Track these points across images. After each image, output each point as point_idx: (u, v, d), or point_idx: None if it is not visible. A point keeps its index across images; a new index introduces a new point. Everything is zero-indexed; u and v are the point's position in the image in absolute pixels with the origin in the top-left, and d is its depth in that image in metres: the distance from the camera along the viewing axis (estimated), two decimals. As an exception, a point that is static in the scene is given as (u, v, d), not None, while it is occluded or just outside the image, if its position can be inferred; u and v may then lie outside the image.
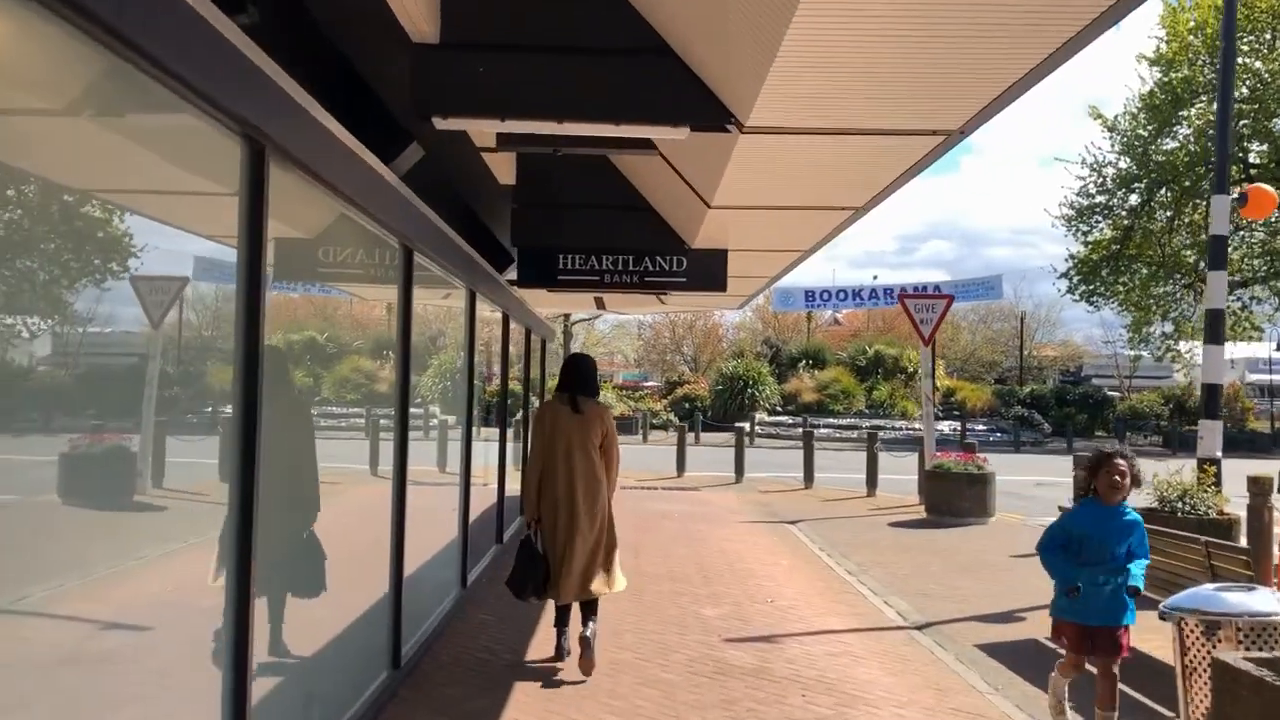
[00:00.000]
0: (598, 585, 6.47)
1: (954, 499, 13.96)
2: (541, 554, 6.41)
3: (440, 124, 6.03)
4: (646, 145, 8.18)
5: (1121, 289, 41.38)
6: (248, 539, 3.24)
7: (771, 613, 8.41)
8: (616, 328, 65.23)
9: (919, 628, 8.09)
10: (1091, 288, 41.42)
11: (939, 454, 15.27)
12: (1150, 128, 38.57)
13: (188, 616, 3.39)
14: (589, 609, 6.54)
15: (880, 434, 39.06)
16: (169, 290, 3.09)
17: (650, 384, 58.22)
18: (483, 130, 7.18)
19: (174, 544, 3.30)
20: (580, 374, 6.75)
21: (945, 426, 38.30)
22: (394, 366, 6.19)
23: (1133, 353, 54.15)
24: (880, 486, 17.57)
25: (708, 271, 10.70)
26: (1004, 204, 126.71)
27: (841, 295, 39.63)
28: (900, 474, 19.08)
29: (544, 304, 17.47)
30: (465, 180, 9.46)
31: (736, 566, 10.53)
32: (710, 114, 5.88)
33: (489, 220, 10.99)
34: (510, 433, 12.45)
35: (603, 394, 38.38)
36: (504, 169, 9.46)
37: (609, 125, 5.99)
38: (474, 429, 8.83)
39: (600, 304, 17.85)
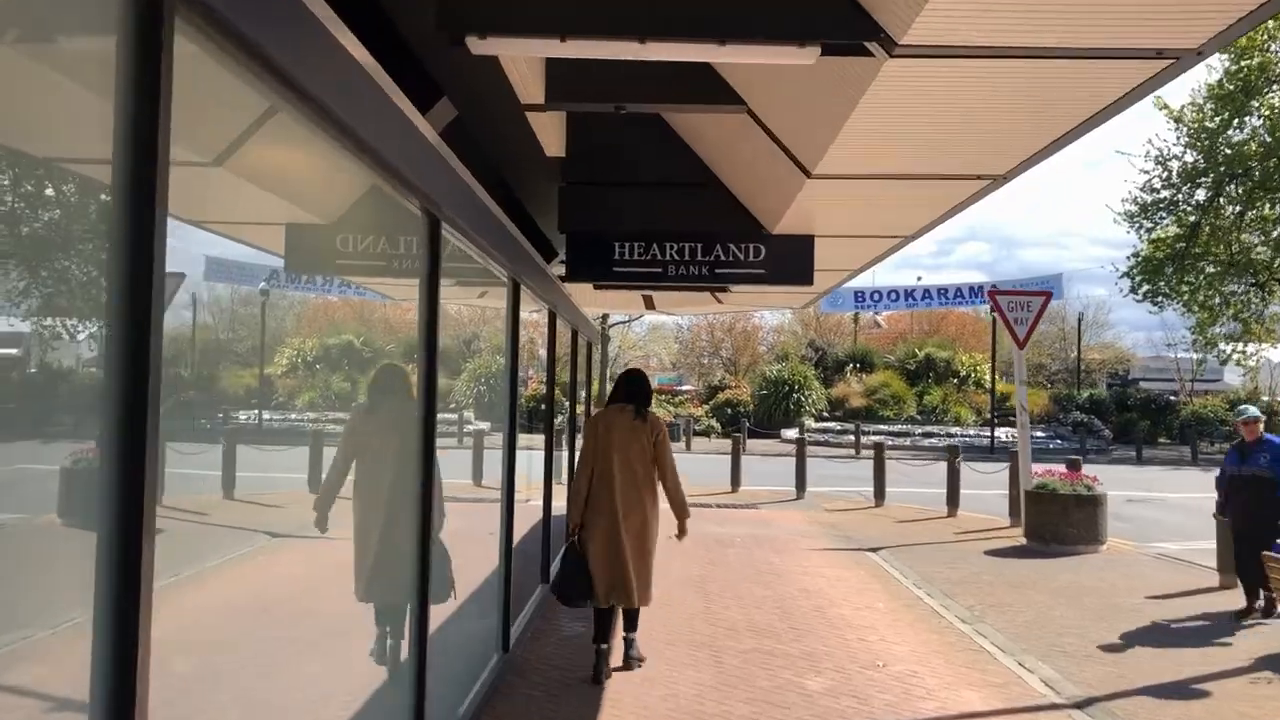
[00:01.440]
0: (638, 595, 6.61)
1: (1060, 524, 12.18)
2: (584, 559, 6.56)
3: (477, 47, 4.44)
4: (732, 100, 6.57)
5: (1186, 288, 39.29)
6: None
7: (888, 682, 6.72)
8: (654, 330, 63.68)
9: (1079, 705, 6.38)
10: (1155, 287, 39.39)
11: (1035, 468, 13.51)
12: (1219, 118, 36.52)
13: None
14: (630, 615, 6.83)
15: (931, 439, 37.52)
16: (166, 288, 2.30)
17: (687, 387, 56.62)
18: (532, 58, 5.61)
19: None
20: (635, 386, 6.91)
21: (1002, 434, 36.36)
22: (419, 368, 4.59)
23: (1196, 356, 51.99)
24: (946, 499, 15.79)
25: (790, 262, 9.03)
26: (1042, 206, 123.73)
27: (893, 296, 37.77)
28: (972, 488, 17.25)
29: (587, 303, 15.90)
30: (505, 149, 7.85)
31: (828, 612, 8.85)
32: (850, 28, 4.23)
33: (531, 203, 9.37)
34: (555, 443, 10.83)
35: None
36: (552, 136, 7.83)
37: (710, 45, 4.37)
38: (516, 440, 7.20)
39: (649, 303, 16.21)
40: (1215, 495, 9.58)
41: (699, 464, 23.67)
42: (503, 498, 6.71)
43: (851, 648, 7.63)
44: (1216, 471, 9.74)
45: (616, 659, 6.89)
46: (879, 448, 17.35)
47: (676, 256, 9.02)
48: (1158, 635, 8.34)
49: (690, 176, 8.80)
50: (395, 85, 3.46)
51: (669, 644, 7.59)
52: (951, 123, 5.43)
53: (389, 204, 4.05)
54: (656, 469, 6.63)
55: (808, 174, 6.63)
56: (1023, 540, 12.96)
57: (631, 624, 6.86)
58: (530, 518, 9.21)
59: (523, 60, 5.61)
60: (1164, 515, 17.31)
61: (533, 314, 9.48)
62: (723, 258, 9.02)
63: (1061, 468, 13.03)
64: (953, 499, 15.84)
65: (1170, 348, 51.46)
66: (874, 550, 12.38)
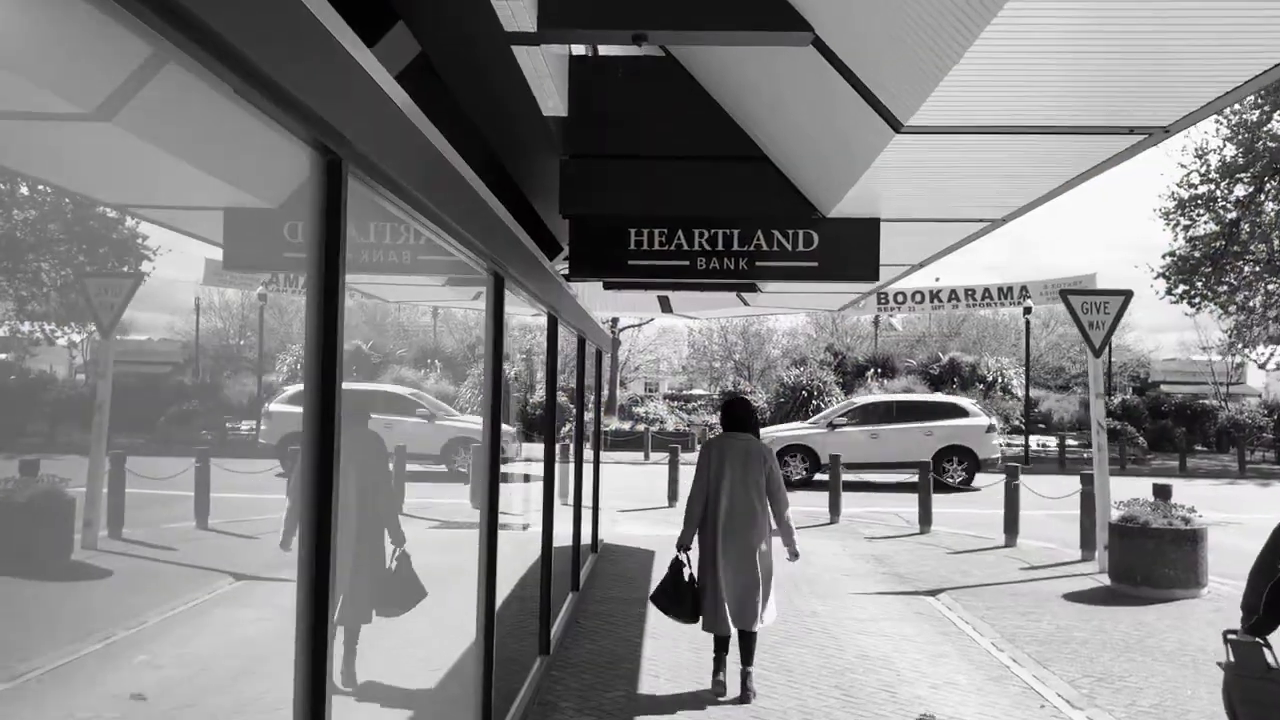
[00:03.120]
0: (753, 619, 6.71)
1: (1153, 564, 10.33)
2: (689, 581, 6.83)
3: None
4: (793, 24, 4.81)
5: (1225, 289, 37.42)
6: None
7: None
8: (664, 333, 62.03)
9: None
10: (1192, 288, 37.46)
11: (1108, 496, 11.67)
12: (1259, 111, 34.75)
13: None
14: (747, 644, 6.83)
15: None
16: (120, 290, 2.21)
17: (697, 392, 54.75)
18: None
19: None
20: (743, 415, 6.97)
21: (1035, 443, 34.47)
22: (305, 375, 2.88)
23: (1234, 359, 50.02)
24: (998, 524, 13.93)
25: (849, 252, 7.23)
26: (1058, 208, 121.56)
27: (917, 297, 35.87)
28: (1024, 508, 15.36)
29: (593, 305, 14.11)
30: (487, 102, 6.07)
31: (899, 693, 7.02)
32: None
33: (527, 181, 7.58)
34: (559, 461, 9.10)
35: (652, 405, 34.82)
36: (549, 87, 6.02)
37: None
38: (498, 468, 5.43)
39: (665, 305, 14.42)
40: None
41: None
42: (482, 531, 4.97)
43: (944, 756, 5.81)
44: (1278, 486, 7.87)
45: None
46: (924, 467, 15.48)
47: (706, 246, 7.23)
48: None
49: (724, 145, 7.03)
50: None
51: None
52: (1128, 39, 3.64)
53: (265, 140, 2.34)
54: (768, 494, 6.77)
55: (897, 127, 4.84)
56: (1105, 580, 11.11)
57: (748, 656, 6.85)
58: (520, 551, 7.48)
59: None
60: (1246, 543, 15.40)
61: (534, 317, 7.74)
62: (764, 247, 7.23)
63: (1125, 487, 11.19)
64: (1011, 525, 13.97)
65: (1205, 351, 49.51)
66: (933, 594, 10.55)
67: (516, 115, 6.41)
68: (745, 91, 6.62)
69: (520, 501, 7.52)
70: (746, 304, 13.30)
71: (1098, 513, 12.01)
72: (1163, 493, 11.26)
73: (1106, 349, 47.41)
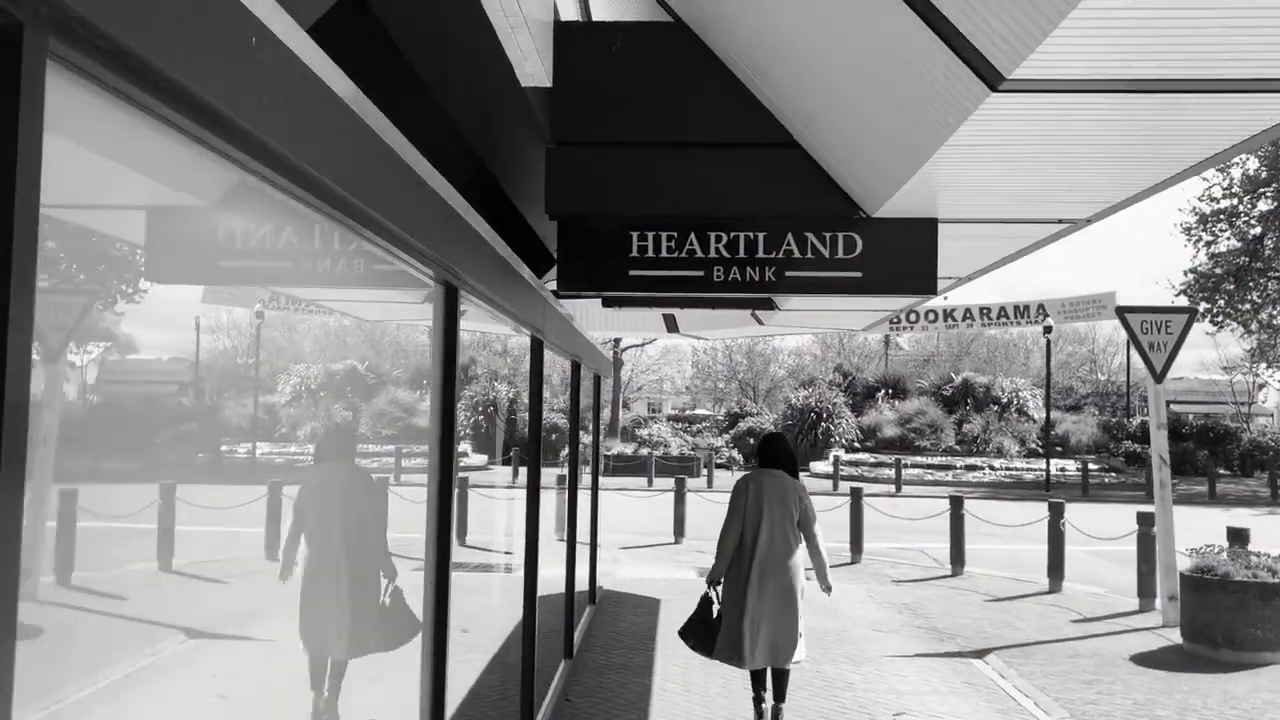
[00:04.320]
0: (784, 656, 6.60)
1: (1236, 621, 8.94)
2: (717, 616, 6.73)
3: None
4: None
5: (1249, 307, 36.13)
6: None
7: None
8: (667, 352, 60.81)
9: None
10: (1214, 305, 36.11)
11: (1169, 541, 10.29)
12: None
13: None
14: (781, 681, 6.79)
15: (976, 473, 34.17)
16: (72, 310, 2.08)
17: (701, 412, 53.39)
18: None
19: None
20: (781, 451, 6.89)
21: (1055, 467, 33.07)
22: None
23: (1259, 379, 48.64)
24: (1036, 563, 12.54)
25: (900, 259, 5.92)
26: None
27: (930, 316, 34.53)
28: (1035, 539, 13.90)
29: (591, 324, 12.81)
30: (444, 59, 4.76)
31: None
32: None
33: (507, 173, 6.27)
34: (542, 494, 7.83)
35: (656, 427, 33.54)
36: (528, 47, 4.71)
37: None
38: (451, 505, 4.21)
39: (672, 324, 13.09)
40: None
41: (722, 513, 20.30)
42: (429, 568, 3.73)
43: None
44: None
45: None
46: (957, 502, 14.08)
47: (724, 253, 5.91)
48: None
49: (746, 130, 5.73)
50: None
51: None
52: None
53: None
54: (802, 531, 6.71)
55: (994, 82, 3.52)
56: (1175, 638, 9.73)
57: (780, 693, 6.81)
58: (498, 605, 6.16)
59: None
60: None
61: (516, 335, 6.41)
62: (795, 254, 5.91)
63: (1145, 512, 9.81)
64: (1056, 568, 12.56)
65: (1227, 370, 48.14)
66: (980, 655, 9.17)
67: (489, 84, 5.10)
68: (775, 61, 5.33)
69: (501, 543, 6.38)
70: (761, 323, 11.99)
71: (1159, 557, 10.65)
72: (1239, 537, 9.90)
73: (1127, 370, 45.52)
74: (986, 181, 5.07)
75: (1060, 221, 5.81)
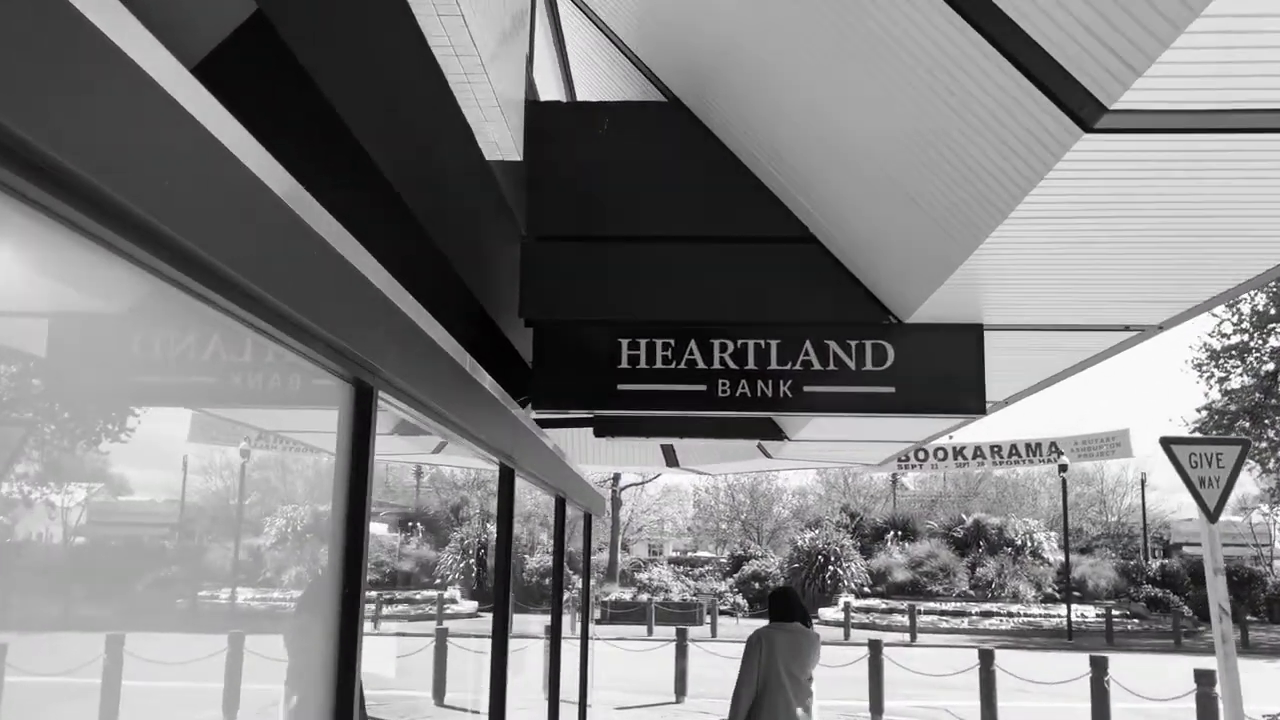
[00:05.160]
0: None
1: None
2: None
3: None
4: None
5: (1266, 445, 35.14)
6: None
7: None
8: (668, 492, 59.49)
9: None
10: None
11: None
12: (1288, 258, 33.13)
13: None
14: None
15: (992, 620, 32.49)
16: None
17: (703, 554, 51.70)
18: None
19: None
20: (793, 604, 6.55)
21: (1074, 613, 31.43)
22: None
23: (1278, 520, 47.15)
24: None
25: (940, 373, 4.97)
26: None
27: (940, 454, 33.49)
28: (1072, 696, 12.51)
29: (584, 457, 11.83)
30: (383, 122, 3.92)
31: None
32: None
33: (476, 274, 5.40)
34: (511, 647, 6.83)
35: (657, 570, 32.10)
36: (492, 112, 3.89)
37: None
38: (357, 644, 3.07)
39: (670, 457, 12.08)
40: None
41: (726, 668, 18.74)
42: None
43: None
44: None
45: None
46: (986, 656, 12.76)
47: (731, 363, 4.99)
48: None
49: (755, 222, 4.89)
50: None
51: None
52: None
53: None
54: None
55: (1089, 121, 2.66)
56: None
57: None
58: None
59: None
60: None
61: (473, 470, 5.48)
62: (815, 365, 4.98)
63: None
64: (1102, 738, 11.22)
65: (1245, 510, 46.70)
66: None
67: (441, 149, 4.27)
68: (791, 143, 4.53)
69: (484, 702, 5.29)
70: (769, 456, 10.98)
71: (1227, 724, 9.34)
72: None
73: (1143, 511, 44.06)
74: (1046, 273, 4.19)
75: (1128, 329, 4.90)
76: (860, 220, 4.63)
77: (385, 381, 2.69)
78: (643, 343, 5.00)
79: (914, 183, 3.92)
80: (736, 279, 4.99)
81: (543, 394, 5.00)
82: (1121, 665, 18.17)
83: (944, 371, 4.96)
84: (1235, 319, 34.85)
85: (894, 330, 4.99)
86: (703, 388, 4.96)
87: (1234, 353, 35.11)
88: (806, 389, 4.95)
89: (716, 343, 5.01)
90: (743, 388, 4.96)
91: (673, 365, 4.98)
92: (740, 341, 5.00)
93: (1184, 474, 9.43)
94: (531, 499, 8.24)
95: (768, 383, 4.97)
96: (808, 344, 4.97)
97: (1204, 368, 35.58)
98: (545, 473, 5.78)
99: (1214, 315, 37.02)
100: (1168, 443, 9.65)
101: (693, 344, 5.00)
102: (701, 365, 4.99)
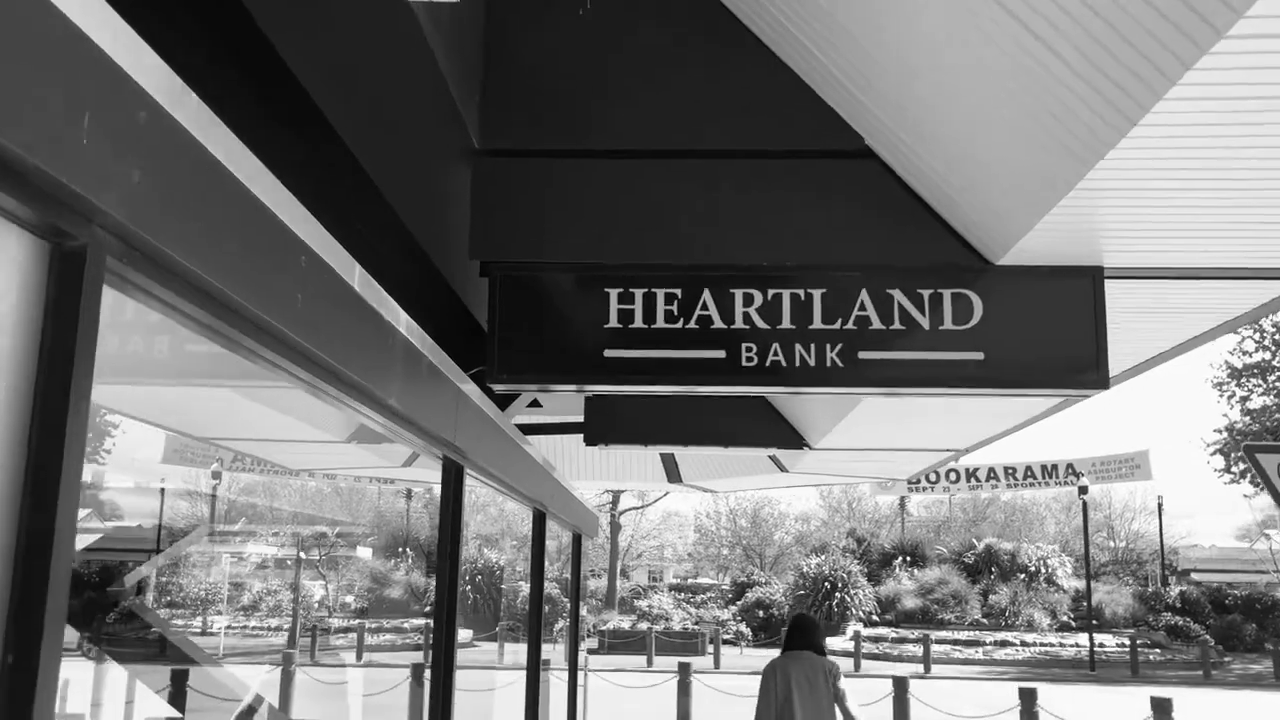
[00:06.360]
0: None
1: None
2: None
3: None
4: None
5: (1288, 467, 33.75)
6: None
7: None
8: (669, 516, 58.18)
9: None
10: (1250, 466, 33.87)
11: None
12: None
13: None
14: None
15: (1007, 650, 31.01)
16: None
17: (704, 581, 50.24)
18: None
19: None
20: (809, 632, 6.85)
21: (1095, 642, 29.95)
22: None
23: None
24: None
25: (1044, 333, 3.64)
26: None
27: (952, 476, 32.14)
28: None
29: (576, 471, 10.50)
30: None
31: None
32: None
33: (402, 194, 4.04)
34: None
35: (657, 598, 30.67)
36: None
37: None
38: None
39: (672, 470, 10.71)
40: None
41: (732, 705, 17.10)
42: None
43: None
44: None
45: None
46: (1028, 696, 11.33)
47: (760, 321, 3.65)
48: None
49: (788, 133, 3.57)
50: None
51: None
52: None
53: None
54: (839, 709, 6.43)
55: None
56: None
57: None
58: None
59: None
60: None
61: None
62: (874, 323, 3.64)
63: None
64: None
65: (1267, 536, 45.28)
66: None
67: (363, 26, 2.95)
68: (846, 23, 3.22)
69: None
70: (784, 469, 9.61)
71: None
72: None
73: (1160, 536, 42.79)
74: (1191, 197, 2.87)
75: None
76: (939, 124, 3.31)
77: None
78: (638, 294, 3.66)
79: (1020, 67, 2.61)
80: (765, 209, 3.67)
81: (502, 364, 3.66)
82: (1184, 702, 16.73)
83: (1049, 331, 3.62)
84: (1258, 336, 33.64)
85: (982, 275, 3.65)
86: (720, 354, 3.62)
87: (1255, 371, 33.87)
88: (863, 355, 3.61)
89: (739, 293, 3.67)
90: (775, 354, 3.62)
91: (679, 324, 3.65)
92: (771, 292, 3.66)
93: (1271, 484, 8.13)
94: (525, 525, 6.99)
95: (808, 348, 3.63)
96: (864, 295, 3.63)
97: (1224, 386, 34.35)
98: (515, 476, 4.41)
99: (1236, 333, 35.78)
100: (1252, 450, 8.37)
101: (707, 295, 3.66)
102: (719, 324, 3.65)
